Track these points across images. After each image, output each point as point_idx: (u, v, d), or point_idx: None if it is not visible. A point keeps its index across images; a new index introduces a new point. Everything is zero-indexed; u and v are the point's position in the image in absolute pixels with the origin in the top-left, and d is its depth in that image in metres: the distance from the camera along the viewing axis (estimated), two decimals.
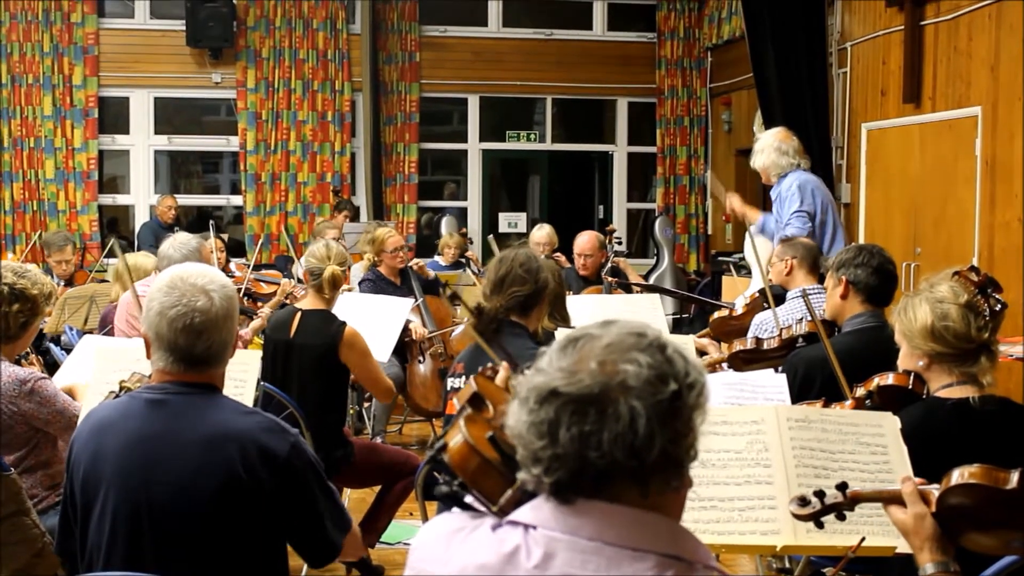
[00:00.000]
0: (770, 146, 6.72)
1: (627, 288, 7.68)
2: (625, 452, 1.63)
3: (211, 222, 8.55)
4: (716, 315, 5.74)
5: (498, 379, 2.24)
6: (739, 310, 5.61)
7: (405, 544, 5.82)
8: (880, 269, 4.34)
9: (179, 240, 5.96)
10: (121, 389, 3.46)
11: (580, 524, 1.67)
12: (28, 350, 4.38)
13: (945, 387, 3.24)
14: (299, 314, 5.28)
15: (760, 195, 11.77)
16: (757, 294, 5.64)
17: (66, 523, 2.88)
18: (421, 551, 1.84)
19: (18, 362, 4.18)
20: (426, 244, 12.68)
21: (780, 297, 5.38)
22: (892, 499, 2.44)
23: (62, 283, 8.61)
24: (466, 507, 1.85)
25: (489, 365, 2.29)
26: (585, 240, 7.99)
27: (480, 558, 1.72)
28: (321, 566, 2.95)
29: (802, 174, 6.76)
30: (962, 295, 3.24)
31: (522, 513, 1.73)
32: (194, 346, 2.74)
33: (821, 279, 5.16)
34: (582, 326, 1.77)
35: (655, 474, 1.66)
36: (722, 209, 12.93)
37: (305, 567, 5.07)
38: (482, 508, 1.84)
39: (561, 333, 4.74)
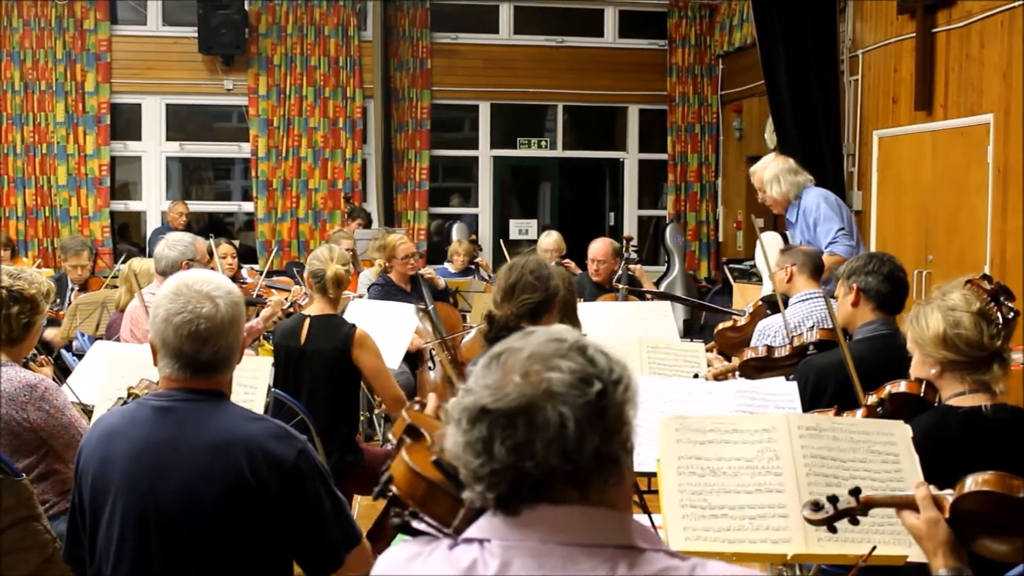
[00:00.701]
0: (781, 171, 6.70)
1: (640, 296, 7.68)
2: (559, 457, 1.65)
3: (211, 237, 8.52)
4: (720, 327, 5.73)
5: (428, 410, 2.28)
6: (742, 321, 5.62)
7: None
8: (891, 276, 4.33)
9: (172, 239, 5.96)
10: (129, 396, 3.46)
11: (531, 531, 1.69)
12: (35, 351, 4.37)
13: (957, 395, 3.23)
14: (308, 320, 5.28)
15: None
16: (760, 302, 5.65)
17: (74, 530, 2.88)
18: None
19: (26, 364, 4.16)
20: (436, 251, 12.69)
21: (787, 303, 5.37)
22: (905, 504, 2.43)
23: (76, 288, 8.62)
24: (419, 534, 1.86)
25: (416, 398, 2.32)
26: (599, 246, 7.97)
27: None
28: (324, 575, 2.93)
29: (819, 190, 6.74)
30: (974, 303, 3.23)
31: (474, 530, 1.76)
32: (200, 352, 2.74)
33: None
34: (503, 340, 1.78)
35: (592, 474, 1.68)
36: (733, 216, 12.94)
37: None
38: (436, 533, 1.86)
39: None
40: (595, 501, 1.70)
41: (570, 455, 1.65)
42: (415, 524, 1.88)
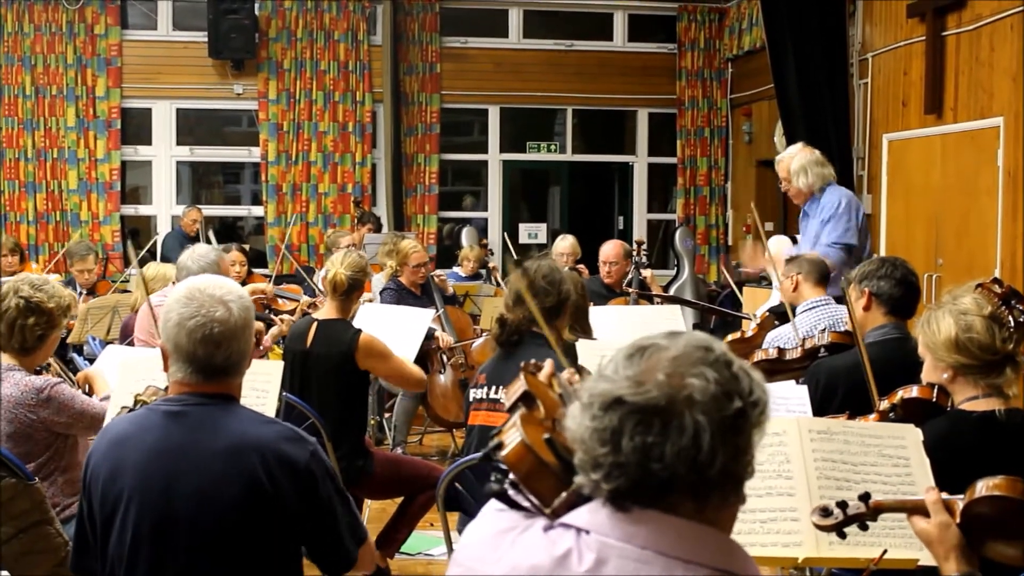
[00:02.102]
0: (809, 162, 6.60)
1: (650, 300, 7.68)
2: (687, 466, 1.63)
3: (235, 241, 8.54)
4: (728, 339, 5.71)
5: (542, 375, 2.23)
6: (750, 332, 5.60)
7: (426, 555, 5.82)
8: (903, 280, 4.32)
9: (198, 252, 5.95)
10: (136, 403, 3.46)
11: (635, 532, 1.66)
12: (50, 361, 4.40)
13: (970, 400, 3.22)
14: (315, 324, 5.31)
15: (781, 204, 11.77)
16: (768, 312, 5.64)
17: (82, 539, 2.88)
18: (469, 551, 1.84)
19: (39, 373, 4.20)
20: (446, 255, 12.70)
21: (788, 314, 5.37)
22: (915, 509, 2.43)
23: (84, 292, 8.65)
24: (516, 506, 1.84)
25: (532, 361, 2.28)
26: (610, 248, 7.98)
27: (532, 559, 1.71)
28: (337, 575, 2.95)
29: (843, 189, 6.68)
30: (986, 307, 3.23)
31: (575, 516, 1.73)
32: (213, 356, 2.75)
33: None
34: (647, 335, 1.75)
35: (715, 489, 1.66)
36: (743, 220, 12.93)
37: None
38: (533, 509, 1.83)
39: (582, 345, 4.76)
40: (707, 518, 1.68)
41: (699, 466, 1.63)
42: (512, 494, 1.86)
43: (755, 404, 1.68)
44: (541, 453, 1.86)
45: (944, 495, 2.44)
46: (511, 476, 1.87)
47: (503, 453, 1.89)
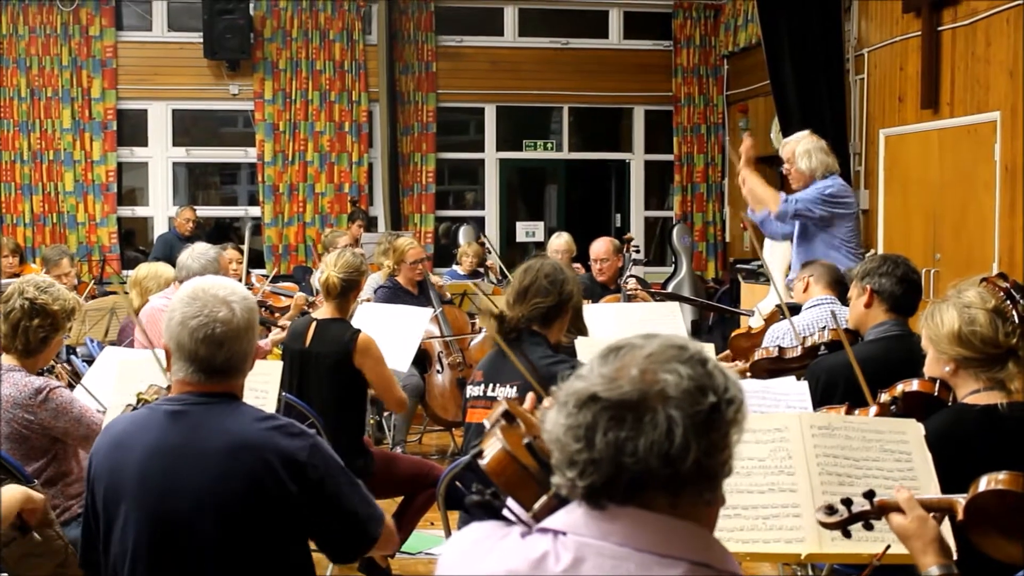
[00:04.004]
0: (815, 148, 6.57)
1: (652, 296, 7.65)
2: (660, 460, 1.65)
3: (232, 241, 8.53)
4: (734, 334, 5.73)
5: (524, 406, 2.26)
6: (756, 327, 5.61)
7: (427, 554, 5.82)
8: (905, 278, 4.33)
9: (198, 250, 5.96)
10: (139, 402, 3.46)
11: (611, 530, 1.68)
12: (53, 362, 4.41)
13: (972, 393, 3.22)
14: (314, 323, 5.32)
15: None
16: (776, 308, 5.64)
17: (89, 535, 2.89)
18: (450, 561, 1.84)
19: (41, 375, 4.20)
20: (444, 254, 12.70)
21: (796, 309, 5.37)
22: (897, 507, 2.43)
23: None
24: (496, 516, 1.86)
25: (515, 397, 2.32)
26: (600, 245, 7.95)
27: (509, 563, 1.73)
28: (354, 559, 2.96)
29: (843, 182, 6.64)
30: (990, 300, 3.23)
31: (552, 520, 1.75)
32: (215, 356, 2.76)
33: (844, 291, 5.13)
34: (624, 337, 1.78)
35: (688, 484, 1.68)
36: (740, 217, 12.92)
37: (329, 569, 5.09)
38: (512, 517, 1.85)
39: (580, 343, 4.75)
40: (683, 514, 1.69)
41: (671, 460, 1.65)
42: (495, 504, 1.87)
43: (730, 401, 1.70)
44: (522, 458, 1.90)
45: (938, 496, 2.46)
46: (492, 487, 1.89)
47: (484, 461, 1.91)
